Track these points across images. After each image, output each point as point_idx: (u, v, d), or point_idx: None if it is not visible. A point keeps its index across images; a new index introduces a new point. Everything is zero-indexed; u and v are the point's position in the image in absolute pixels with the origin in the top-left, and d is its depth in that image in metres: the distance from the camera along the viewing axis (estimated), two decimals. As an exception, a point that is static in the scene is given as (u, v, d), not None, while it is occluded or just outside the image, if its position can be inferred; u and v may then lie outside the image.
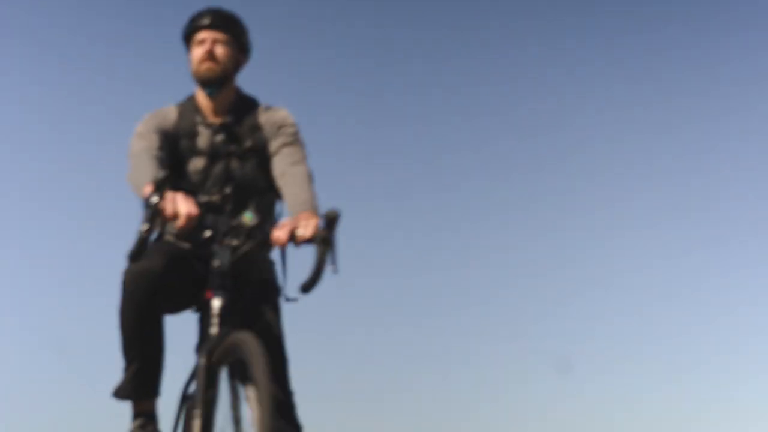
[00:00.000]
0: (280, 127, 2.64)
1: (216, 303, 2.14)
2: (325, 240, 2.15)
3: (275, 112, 2.68)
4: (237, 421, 2.00)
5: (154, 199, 2.07)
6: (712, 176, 8.68)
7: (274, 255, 2.69)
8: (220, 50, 2.60)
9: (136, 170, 2.37)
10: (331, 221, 2.15)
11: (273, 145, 2.62)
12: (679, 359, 8.09)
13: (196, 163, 2.59)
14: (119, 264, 2.27)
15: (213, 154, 2.59)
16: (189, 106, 2.69)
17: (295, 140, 2.64)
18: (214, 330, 2.11)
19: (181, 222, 2.10)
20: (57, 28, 8.32)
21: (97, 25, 8.25)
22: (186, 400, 2.57)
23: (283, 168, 2.55)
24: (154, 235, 2.67)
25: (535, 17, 8.85)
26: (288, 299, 2.54)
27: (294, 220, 2.26)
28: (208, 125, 2.63)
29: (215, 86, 2.62)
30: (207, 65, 2.59)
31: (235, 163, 2.59)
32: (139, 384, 2.41)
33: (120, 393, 2.45)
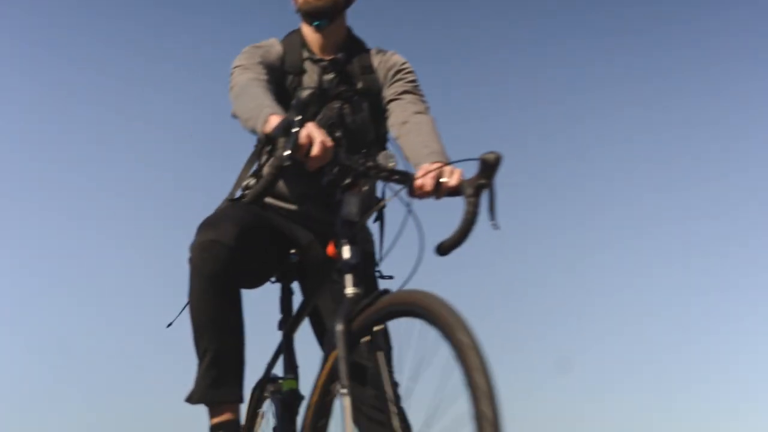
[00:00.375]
0: (398, 71, 2.36)
1: (349, 259, 1.77)
2: (480, 188, 1.80)
3: (391, 56, 2.40)
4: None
5: (297, 123, 1.69)
6: (712, 179, 8.56)
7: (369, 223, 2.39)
8: None
9: (248, 101, 2.02)
10: (490, 166, 1.80)
11: (389, 91, 2.33)
12: (679, 359, 7.94)
13: None
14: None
15: (322, 94, 2.27)
16: (294, 39, 2.38)
17: (416, 88, 2.36)
18: (349, 290, 1.74)
19: (316, 150, 1.74)
20: (57, 28, 8.12)
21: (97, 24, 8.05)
22: (266, 385, 2.21)
23: (406, 116, 2.25)
24: (238, 193, 2.32)
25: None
26: (383, 276, 2.28)
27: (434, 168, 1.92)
28: (317, 61, 2.33)
29: (324, 18, 2.31)
30: None
31: (345, 106, 2.27)
32: (217, 381, 2.05)
33: (194, 396, 2.08)
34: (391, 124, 2.28)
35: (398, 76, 2.35)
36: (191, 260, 2.03)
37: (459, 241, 1.83)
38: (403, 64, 2.39)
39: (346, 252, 1.79)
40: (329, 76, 2.31)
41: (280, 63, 2.31)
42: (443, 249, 1.83)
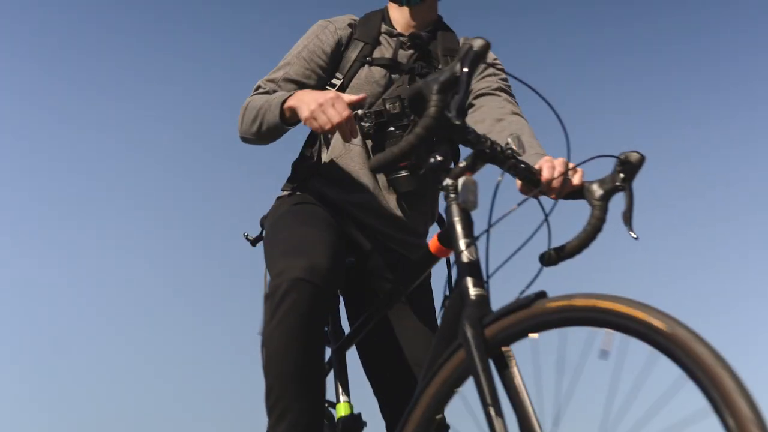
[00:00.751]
0: (490, 66, 2.14)
1: (469, 254, 1.46)
2: (611, 192, 1.56)
3: None
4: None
5: (464, 77, 1.39)
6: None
7: None
8: None
9: (255, 104, 1.98)
10: (632, 167, 1.55)
11: (479, 84, 2.10)
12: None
13: (372, 72, 2.07)
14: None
15: (394, 67, 2.06)
16: (375, 15, 2.19)
17: (510, 88, 2.14)
18: (473, 291, 1.43)
19: None
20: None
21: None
22: None
23: (501, 113, 2.01)
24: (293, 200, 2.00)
25: None
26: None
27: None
28: (395, 36, 2.13)
29: None
30: None
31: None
32: None
33: None
34: (479, 118, 2.02)
35: (490, 70, 2.14)
36: (273, 298, 1.66)
37: (577, 251, 1.56)
38: (495, 59, 2.19)
39: (464, 246, 1.48)
40: (407, 52, 2.11)
41: (348, 39, 2.12)
42: (553, 258, 1.55)
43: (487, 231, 1.48)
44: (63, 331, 6.41)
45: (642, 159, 1.55)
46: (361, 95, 1.86)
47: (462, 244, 1.49)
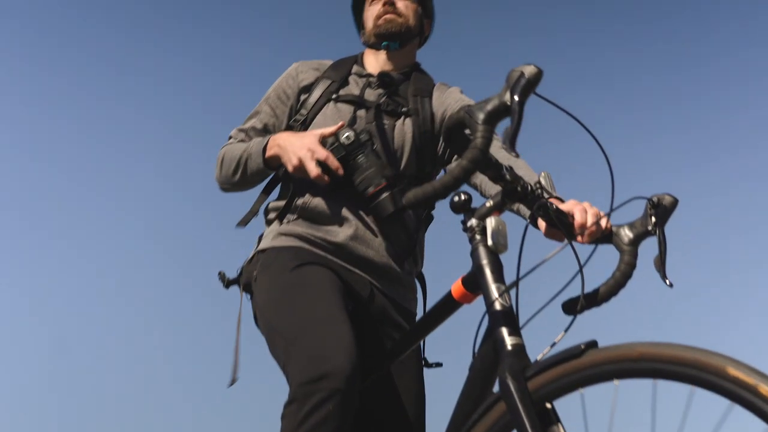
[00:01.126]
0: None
1: (502, 301, 1.37)
2: (642, 237, 1.49)
3: (456, 90, 2.21)
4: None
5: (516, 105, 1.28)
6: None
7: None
8: (401, 3, 2.23)
9: (233, 151, 2.07)
10: (664, 210, 1.48)
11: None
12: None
13: (338, 109, 2.07)
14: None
15: (360, 104, 2.07)
16: (349, 58, 2.24)
17: None
18: (509, 341, 1.33)
19: None
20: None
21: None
22: None
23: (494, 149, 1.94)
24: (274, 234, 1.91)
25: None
26: (429, 364, 1.99)
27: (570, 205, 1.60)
28: (364, 76, 2.15)
29: (396, 41, 2.19)
30: (388, 17, 2.19)
31: (387, 121, 2.06)
32: None
33: None
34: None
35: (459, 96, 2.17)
36: (302, 405, 1.55)
37: (605, 299, 1.48)
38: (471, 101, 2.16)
39: (495, 293, 1.38)
40: (375, 91, 2.12)
41: (315, 78, 2.15)
42: (578, 307, 1.46)
43: (516, 284, 1.38)
44: (62, 331, 6.31)
45: (675, 202, 1.49)
46: (338, 125, 1.92)
47: (494, 290, 1.39)
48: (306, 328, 1.66)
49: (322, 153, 1.84)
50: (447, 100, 2.13)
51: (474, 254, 1.45)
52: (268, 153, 1.95)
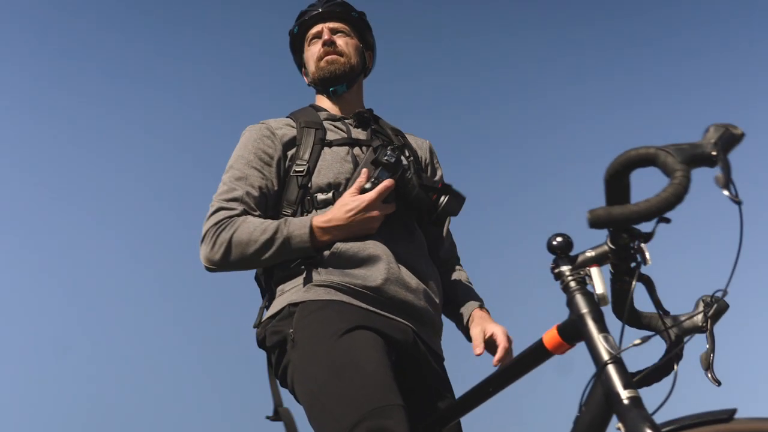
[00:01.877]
0: (436, 162, 2.31)
1: (612, 351, 1.33)
2: (692, 332, 1.46)
3: (425, 141, 2.31)
4: None
5: None
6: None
7: None
8: (341, 41, 2.20)
9: (252, 230, 1.90)
10: (718, 311, 1.46)
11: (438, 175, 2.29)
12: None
13: (335, 152, 2.04)
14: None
15: (354, 144, 2.06)
16: (307, 109, 2.17)
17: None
18: (624, 394, 1.29)
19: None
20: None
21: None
22: None
23: (448, 255, 2.25)
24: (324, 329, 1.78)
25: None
26: None
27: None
28: (338, 119, 2.14)
29: (342, 83, 2.17)
30: (329, 58, 2.17)
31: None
32: None
33: None
34: (440, 238, 2.21)
35: (437, 164, 2.30)
36: None
37: (646, 384, 1.44)
38: (436, 155, 2.32)
39: (604, 344, 1.34)
40: (358, 130, 2.13)
41: (295, 130, 2.08)
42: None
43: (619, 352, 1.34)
44: (61, 331, 6.31)
45: (725, 307, 1.46)
46: (387, 183, 1.91)
47: (602, 342, 1.34)
48: (364, 417, 1.58)
49: (375, 192, 1.89)
50: (428, 156, 2.26)
51: (572, 303, 1.41)
52: (322, 237, 1.85)
